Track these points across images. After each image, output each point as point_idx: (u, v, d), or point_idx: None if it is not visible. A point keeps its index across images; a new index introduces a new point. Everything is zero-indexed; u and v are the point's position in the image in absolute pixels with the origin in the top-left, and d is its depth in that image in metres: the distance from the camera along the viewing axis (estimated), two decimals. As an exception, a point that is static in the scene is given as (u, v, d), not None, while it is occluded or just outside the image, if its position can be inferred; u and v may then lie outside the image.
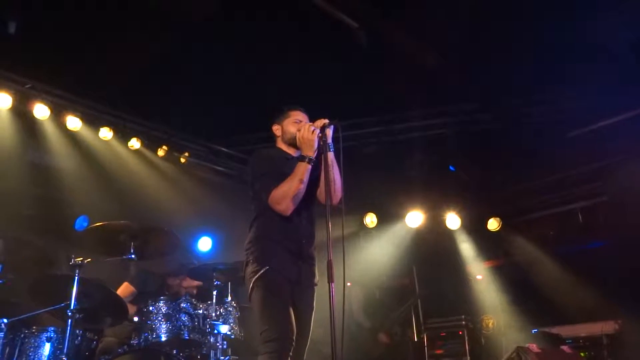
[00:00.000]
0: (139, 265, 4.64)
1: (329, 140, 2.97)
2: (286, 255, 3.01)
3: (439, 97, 6.13)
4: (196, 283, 4.66)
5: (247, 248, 3.09)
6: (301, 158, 3.02)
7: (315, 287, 3.11)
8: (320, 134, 2.97)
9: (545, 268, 7.04)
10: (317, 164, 3.04)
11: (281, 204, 2.97)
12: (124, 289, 4.48)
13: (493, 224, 7.40)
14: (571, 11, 4.46)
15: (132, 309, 4.10)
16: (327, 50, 5.12)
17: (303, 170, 2.99)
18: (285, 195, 2.96)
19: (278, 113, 3.33)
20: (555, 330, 6.00)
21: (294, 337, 2.85)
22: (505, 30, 4.94)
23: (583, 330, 6.03)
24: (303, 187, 2.99)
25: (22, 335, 3.51)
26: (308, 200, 3.12)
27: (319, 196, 3.17)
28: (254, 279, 2.95)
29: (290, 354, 2.82)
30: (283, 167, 3.12)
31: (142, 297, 4.26)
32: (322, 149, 2.96)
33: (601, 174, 6.62)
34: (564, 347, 5.44)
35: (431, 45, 5.18)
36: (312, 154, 3.00)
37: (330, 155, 2.96)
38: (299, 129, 3.07)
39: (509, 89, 5.85)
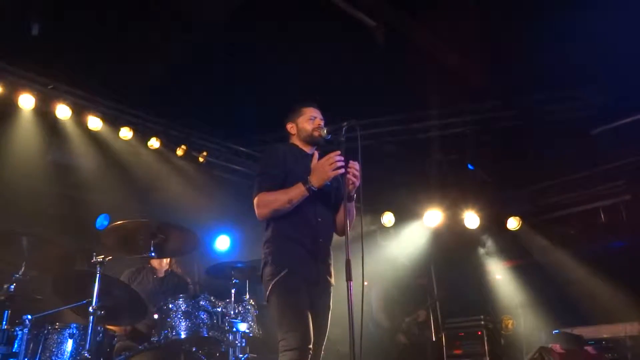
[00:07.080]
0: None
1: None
2: (304, 254, 2.98)
3: (458, 96, 6.07)
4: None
5: (264, 247, 3.06)
6: (304, 182, 2.93)
7: (332, 287, 3.09)
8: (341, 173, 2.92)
9: (566, 268, 6.93)
10: (338, 188, 3.11)
11: (259, 209, 2.97)
12: None
13: (513, 223, 7.31)
14: (594, 8, 4.38)
15: None
16: (347, 49, 5.10)
17: (298, 194, 2.93)
18: (268, 205, 2.96)
19: (292, 111, 3.32)
20: (576, 331, 5.89)
21: (311, 346, 2.81)
22: (524, 28, 4.88)
23: (606, 331, 5.92)
24: (289, 207, 2.94)
25: (46, 332, 3.56)
26: (326, 200, 3.12)
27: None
28: (272, 283, 2.92)
29: None
30: (295, 163, 3.10)
31: None
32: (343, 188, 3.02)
33: (624, 172, 6.50)
34: (588, 348, 5.35)
35: (452, 43, 5.14)
36: (317, 186, 2.92)
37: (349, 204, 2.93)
38: (326, 160, 2.92)
39: (529, 86, 5.77)
